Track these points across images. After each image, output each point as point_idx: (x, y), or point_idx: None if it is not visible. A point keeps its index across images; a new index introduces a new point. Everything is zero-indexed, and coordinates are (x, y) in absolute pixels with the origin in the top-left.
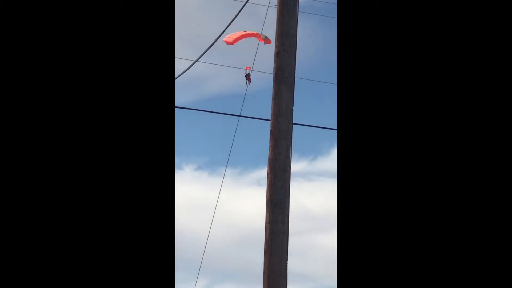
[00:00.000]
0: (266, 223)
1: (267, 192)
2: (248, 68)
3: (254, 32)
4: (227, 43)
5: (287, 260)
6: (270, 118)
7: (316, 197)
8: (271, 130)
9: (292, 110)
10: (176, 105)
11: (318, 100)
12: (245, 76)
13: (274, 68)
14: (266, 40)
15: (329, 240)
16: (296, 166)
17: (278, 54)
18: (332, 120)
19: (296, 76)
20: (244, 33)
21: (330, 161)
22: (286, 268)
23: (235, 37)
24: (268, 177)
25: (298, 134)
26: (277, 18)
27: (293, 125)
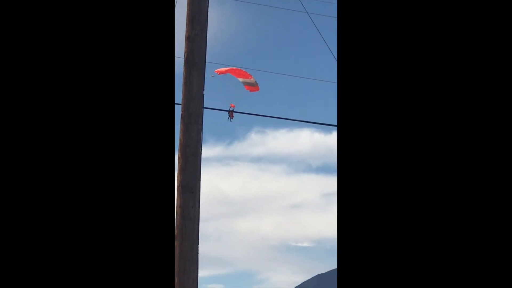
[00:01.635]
0: (177, 207)
1: (177, 177)
2: (233, 106)
3: (247, 73)
4: (220, 72)
5: (198, 244)
6: (180, 103)
7: (232, 181)
8: (181, 115)
9: (203, 94)
10: None
11: (233, 85)
12: (228, 112)
13: (184, 53)
14: (253, 87)
15: (246, 225)
16: (212, 151)
17: (188, 39)
18: (246, 104)
19: (207, 61)
20: (237, 69)
21: (246, 146)
22: (197, 253)
23: (227, 68)
24: (178, 162)
25: (213, 119)
26: (187, 3)
27: (208, 109)
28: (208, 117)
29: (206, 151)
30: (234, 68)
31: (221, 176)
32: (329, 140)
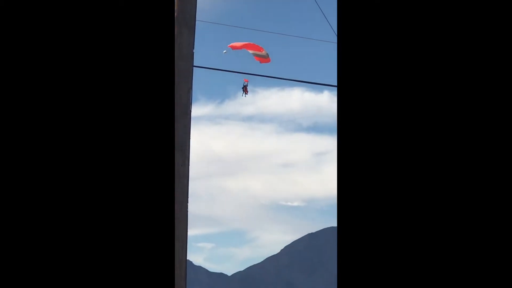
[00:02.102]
0: None
1: None
2: (246, 81)
3: (259, 46)
4: (234, 47)
5: (187, 203)
6: None
7: (223, 140)
8: None
9: (193, 53)
10: None
11: (223, 42)
12: (242, 88)
13: (175, 11)
14: (265, 59)
15: (237, 184)
16: (203, 109)
17: None
18: (237, 63)
19: (197, 19)
20: (251, 44)
21: (237, 105)
22: (187, 212)
23: (241, 44)
24: None
25: (205, 78)
26: None
27: (200, 68)
28: (199, 76)
29: (197, 110)
30: (248, 43)
31: (212, 135)
32: (320, 100)
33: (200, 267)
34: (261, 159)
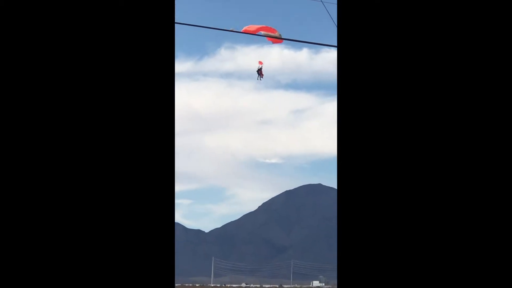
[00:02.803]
0: None
1: None
2: (260, 63)
3: (272, 28)
4: (248, 32)
5: None
6: None
7: (202, 97)
8: None
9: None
10: None
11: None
12: (257, 71)
13: None
14: (277, 39)
15: (215, 141)
16: (183, 66)
17: None
18: (217, 19)
19: None
20: (265, 27)
21: (216, 61)
22: None
23: (256, 27)
24: None
25: (184, 34)
26: None
27: (179, 25)
28: (178, 33)
29: (176, 67)
30: (262, 26)
31: (191, 91)
32: (298, 57)
33: (177, 224)
34: (240, 116)
